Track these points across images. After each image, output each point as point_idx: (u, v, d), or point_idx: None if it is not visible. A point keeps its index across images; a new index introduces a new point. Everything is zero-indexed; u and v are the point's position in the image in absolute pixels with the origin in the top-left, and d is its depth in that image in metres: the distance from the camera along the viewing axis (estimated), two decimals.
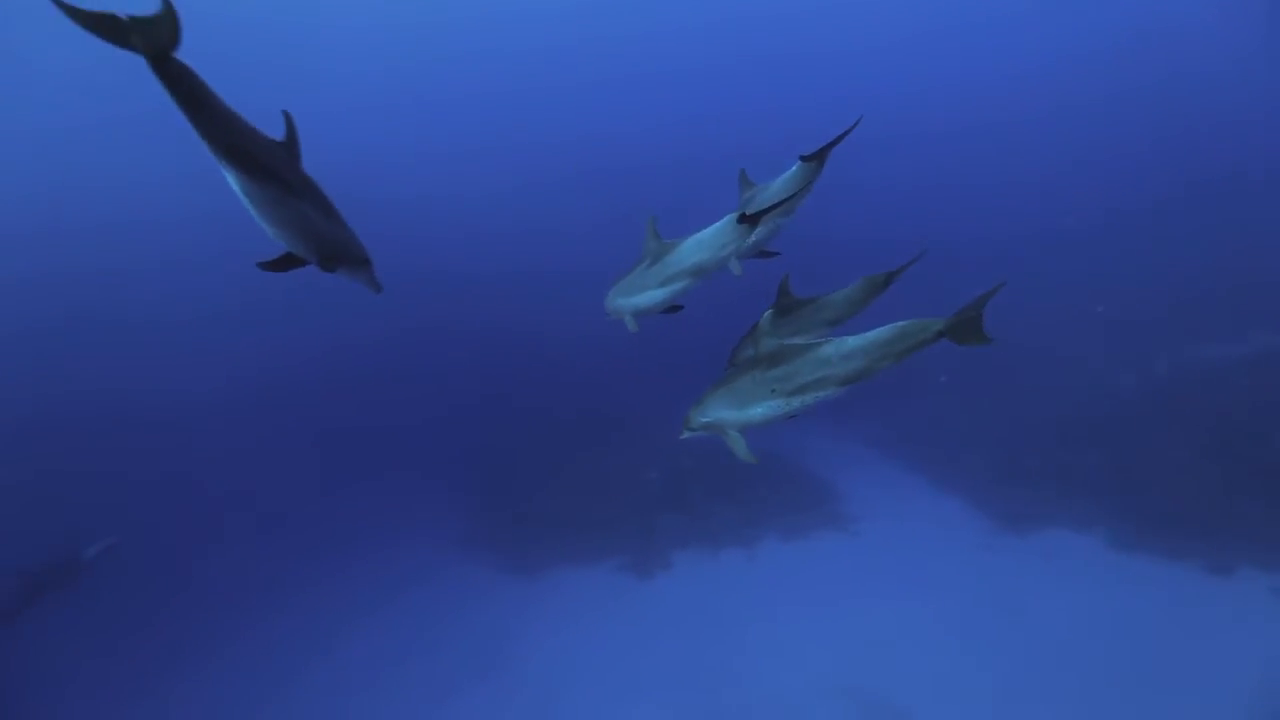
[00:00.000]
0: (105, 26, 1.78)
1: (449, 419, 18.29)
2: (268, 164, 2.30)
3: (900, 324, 3.10)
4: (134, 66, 1.98)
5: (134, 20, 1.80)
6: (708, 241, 3.94)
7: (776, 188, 4.15)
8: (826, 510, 11.83)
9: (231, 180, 2.28)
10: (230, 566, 13.15)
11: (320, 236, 2.50)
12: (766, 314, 3.31)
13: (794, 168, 4.11)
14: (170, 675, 9.92)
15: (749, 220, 3.81)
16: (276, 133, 2.48)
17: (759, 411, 3.27)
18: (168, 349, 23.01)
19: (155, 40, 1.86)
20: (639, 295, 4.20)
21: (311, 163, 2.56)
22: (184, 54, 1.97)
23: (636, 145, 34.39)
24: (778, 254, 4.37)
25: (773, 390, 3.19)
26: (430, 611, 11.21)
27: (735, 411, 3.30)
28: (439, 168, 32.24)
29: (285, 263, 2.62)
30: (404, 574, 12.50)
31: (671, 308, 4.28)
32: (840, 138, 3.93)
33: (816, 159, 4.00)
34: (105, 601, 11.36)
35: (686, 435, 3.57)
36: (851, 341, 3.13)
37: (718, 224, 3.94)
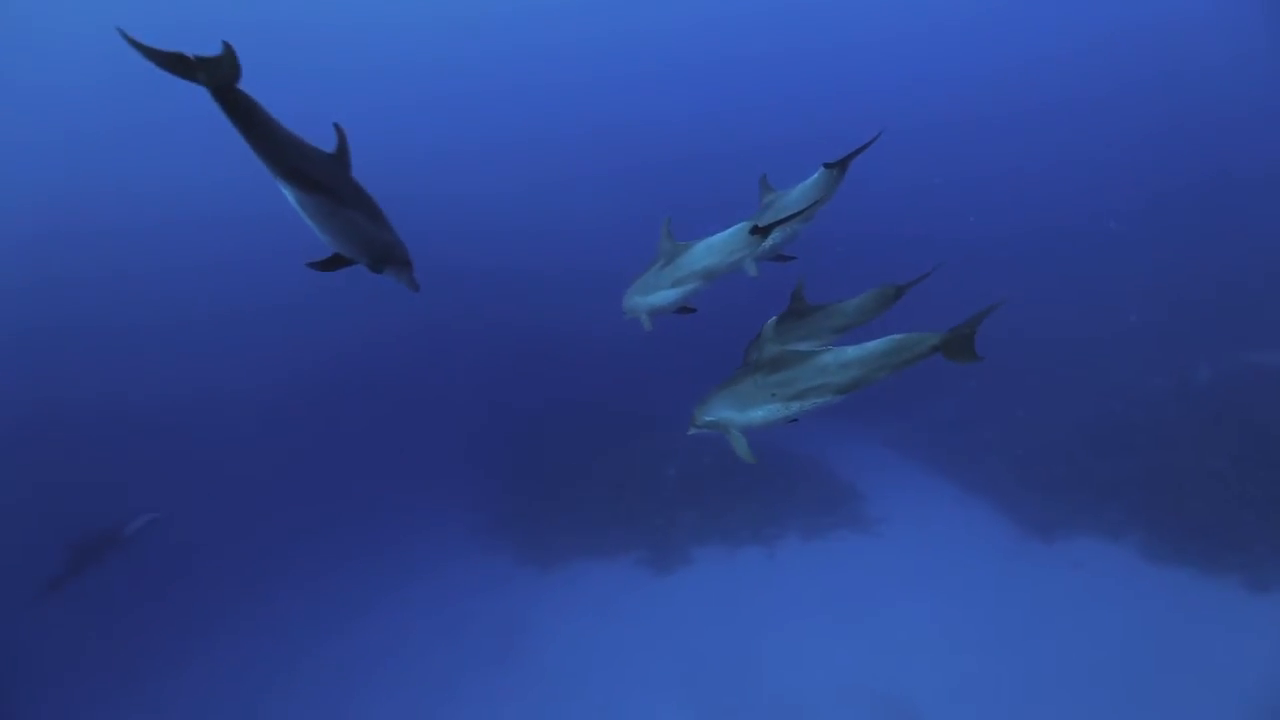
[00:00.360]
0: (175, 64, 2.01)
1: (476, 411, 18.51)
2: (321, 179, 2.49)
3: (897, 337, 3.19)
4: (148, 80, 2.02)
5: (200, 59, 2.04)
6: (718, 246, 4.02)
7: (796, 195, 4.17)
8: (848, 511, 11.69)
9: (288, 194, 2.48)
10: (253, 547, 13.47)
11: (369, 241, 2.69)
12: (771, 321, 3.39)
13: (816, 174, 4.12)
14: (185, 655, 10.15)
15: (759, 232, 3.89)
16: (324, 137, 2.61)
17: (759, 414, 3.41)
18: (194, 345, 23.57)
19: (218, 75, 2.09)
20: (653, 295, 4.28)
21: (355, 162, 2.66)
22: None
23: (665, 141, 34.24)
24: (794, 258, 4.41)
25: (773, 394, 3.33)
26: (448, 598, 11.38)
27: (737, 413, 3.44)
28: (468, 164, 32.45)
29: (333, 263, 2.82)
30: (424, 559, 12.73)
31: (684, 309, 4.36)
32: (863, 149, 3.98)
33: (839, 167, 4.01)
34: (126, 579, 11.59)
35: (693, 432, 3.72)
36: (850, 351, 3.24)
37: (729, 230, 4.01)
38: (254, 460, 16.71)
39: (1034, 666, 7.64)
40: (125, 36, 1.98)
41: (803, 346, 3.54)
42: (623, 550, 11.66)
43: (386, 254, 2.76)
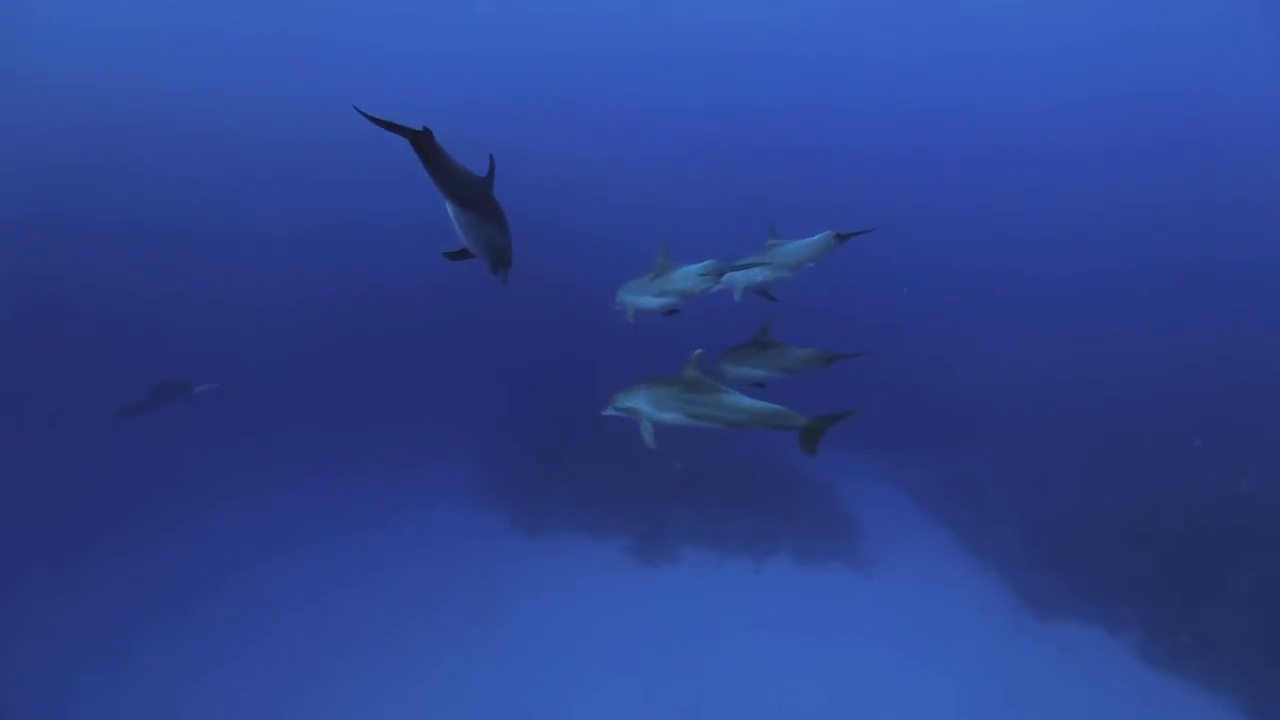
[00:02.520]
0: (394, 127, 2.77)
1: (503, 365, 18.59)
2: (474, 199, 3.23)
3: (779, 407, 3.80)
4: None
5: (408, 129, 2.86)
6: (693, 274, 4.79)
7: (792, 249, 4.84)
8: (845, 545, 11.47)
9: (449, 210, 3.22)
10: (245, 454, 13.83)
11: (496, 249, 3.42)
12: (697, 352, 4.03)
13: (819, 237, 4.75)
14: (166, 628, 9.43)
15: (713, 274, 4.73)
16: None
17: (667, 416, 4.05)
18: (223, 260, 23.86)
19: (418, 134, 2.93)
20: (639, 298, 5.06)
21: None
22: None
23: (747, 130, 33.81)
24: (776, 300, 5.20)
25: (680, 406, 3.98)
26: (435, 540, 11.60)
27: (650, 408, 4.08)
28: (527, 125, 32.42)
29: (460, 255, 3.57)
30: (419, 497, 12.94)
31: (670, 311, 5.03)
32: (864, 232, 4.60)
33: (840, 239, 4.68)
34: (103, 563, 10.98)
35: (608, 411, 4.30)
36: (744, 401, 3.85)
37: (702, 264, 4.78)
38: (266, 371, 16.75)
39: None
40: (361, 112, 2.73)
41: (745, 371, 4.74)
42: (613, 534, 11.66)
43: (502, 258, 3.49)
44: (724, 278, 4.85)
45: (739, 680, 8.32)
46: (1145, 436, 13.14)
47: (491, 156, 3.36)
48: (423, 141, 2.97)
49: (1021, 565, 10.67)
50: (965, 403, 16.08)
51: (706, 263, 4.79)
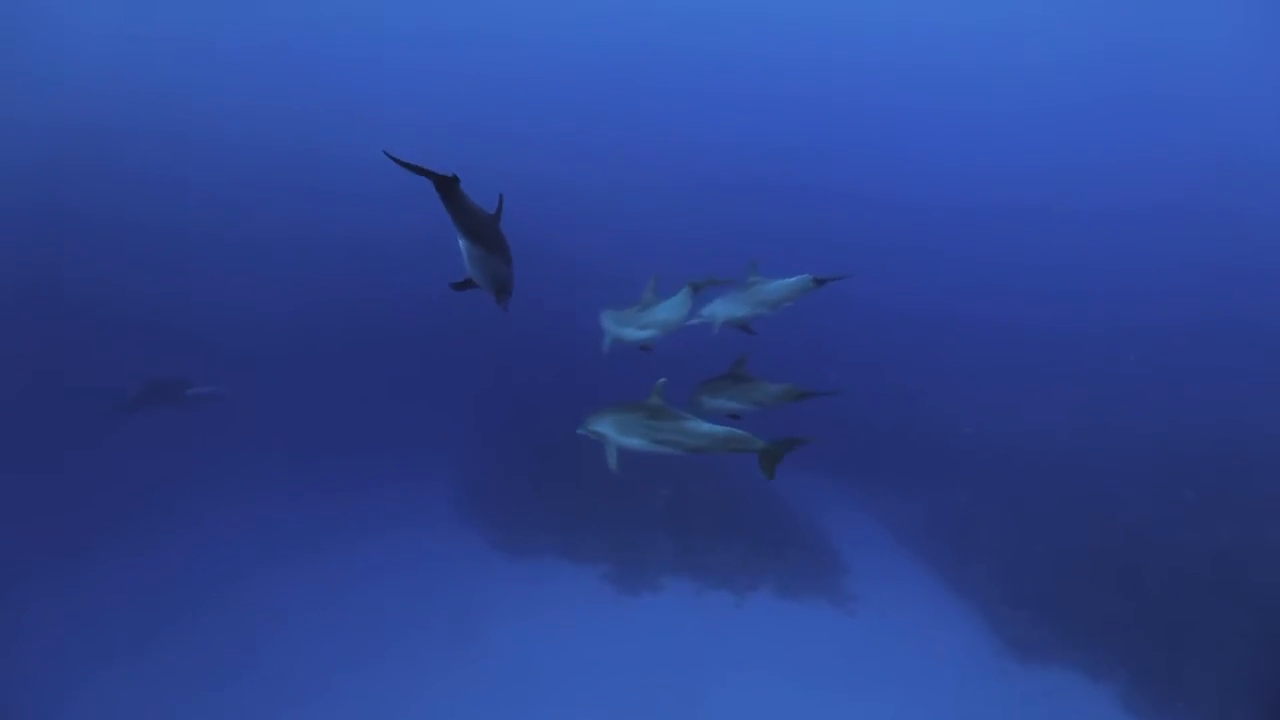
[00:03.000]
0: (424, 172, 2.93)
1: (488, 383, 18.49)
2: (484, 235, 3.41)
3: (737, 432, 4.04)
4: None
5: (438, 175, 3.03)
6: (673, 307, 4.98)
7: (771, 288, 5.05)
8: (828, 581, 11.35)
9: (461, 244, 3.41)
10: (232, 452, 13.65)
11: (500, 280, 3.61)
12: (661, 381, 4.24)
13: (797, 279, 5.00)
14: (147, 647, 9.14)
15: (691, 289, 4.96)
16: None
17: (633, 442, 4.21)
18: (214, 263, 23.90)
19: (447, 180, 3.10)
20: (620, 328, 5.21)
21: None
22: None
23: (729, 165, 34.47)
24: (755, 334, 5.36)
25: (644, 432, 4.15)
26: (417, 557, 11.41)
27: (616, 434, 4.24)
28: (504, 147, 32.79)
29: (466, 285, 3.74)
30: (400, 513, 12.73)
31: (646, 346, 5.19)
32: (840, 277, 4.94)
33: (818, 283, 4.95)
34: (89, 579, 10.59)
35: (581, 431, 4.47)
36: (704, 426, 4.07)
37: (678, 297, 4.95)
38: (257, 372, 16.47)
39: None
40: (391, 156, 2.85)
41: (721, 403, 4.92)
42: (594, 560, 11.49)
43: (505, 288, 3.67)
44: (705, 311, 5.04)
45: (716, 716, 8.14)
46: (1129, 486, 13.16)
47: (501, 196, 3.61)
48: (450, 187, 3.14)
49: (1004, 606, 10.58)
50: (952, 443, 16.10)
51: (683, 289, 4.97)
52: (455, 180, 3.13)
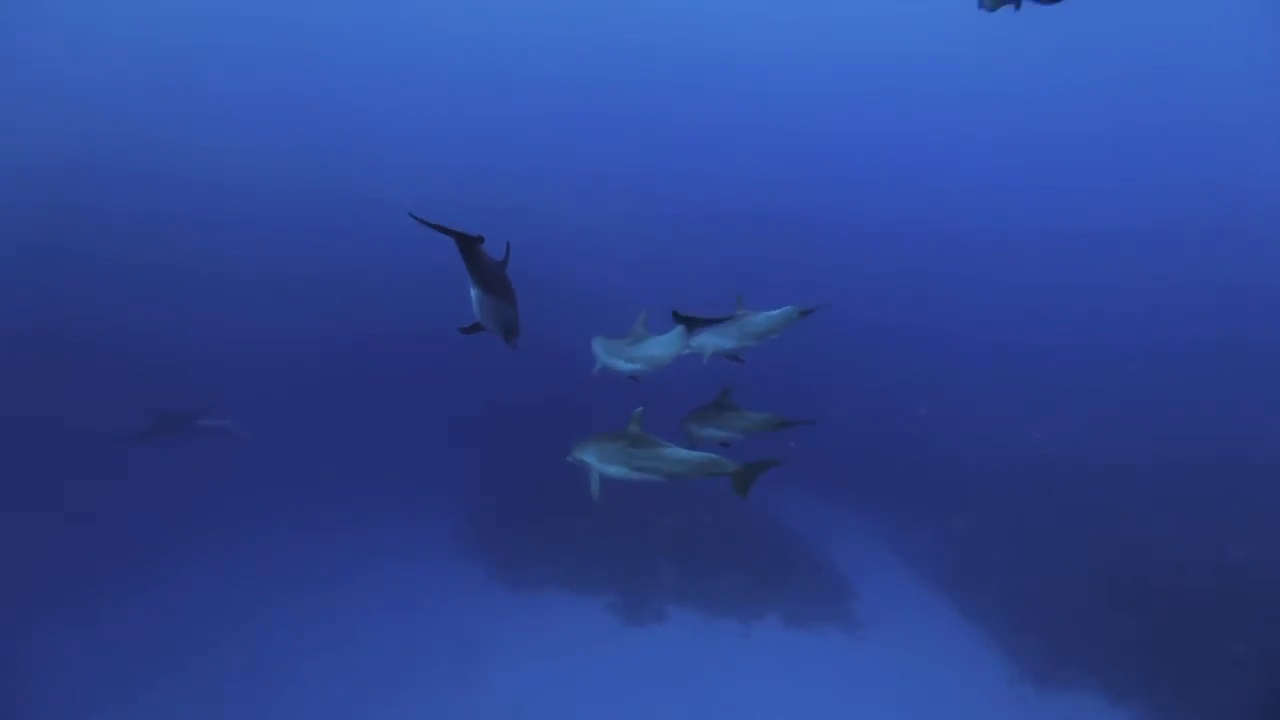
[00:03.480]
0: (449, 231, 3.09)
1: (487, 414, 18.44)
2: (493, 283, 3.59)
3: (712, 456, 4.16)
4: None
5: (463, 234, 3.19)
6: (663, 343, 5.11)
7: (758, 320, 5.10)
8: (837, 607, 11.17)
9: (472, 292, 3.60)
10: (232, 487, 13.53)
11: (507, 323, 3.73)
12: (638, 410, 4.32)
13: (784, 310, 5.06)
14: (144, 691, 8.93)
15: (677, 321, 5.02)
16: None
17: (613, 470, 4.32)
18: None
19: (471, 239, 3.26)
20: (610, 357, 5.32)
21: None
22: None
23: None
24: (743, 362, 5.41)
25: (624, 460, 4.25)
26: (416, 590, 11.22)
27: (598, 462, 4.38)
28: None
29: (474, 329, 3.95)
30: (400, 544, 12.54)
31: (634, 377, 5.31)
32: (823, 306, 5.01)
33: (804, 314, 5.03)
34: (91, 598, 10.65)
35: (570, 459, 4.61)
36: (681, 453, 4.18)
37: (672, 334, 5.05)
38: (256, 406, 16.46)
39: None
40: (416, 218, 2.98)
41: (709, 431, 5.13)
42: (597, 590, 11.33)
43: (512, 330, 3.78)
44: (693, 342, 5.15)
45: None
46: (1138, 503, 12.99)
47: (508, 244, 3.79)
48: (472, 245, 3.29)
49: (1017, 632, 10.37)
50: (960, 466, 15.94)
51: (677, 331, 5.11)
52: (480, 240, 3.25)
